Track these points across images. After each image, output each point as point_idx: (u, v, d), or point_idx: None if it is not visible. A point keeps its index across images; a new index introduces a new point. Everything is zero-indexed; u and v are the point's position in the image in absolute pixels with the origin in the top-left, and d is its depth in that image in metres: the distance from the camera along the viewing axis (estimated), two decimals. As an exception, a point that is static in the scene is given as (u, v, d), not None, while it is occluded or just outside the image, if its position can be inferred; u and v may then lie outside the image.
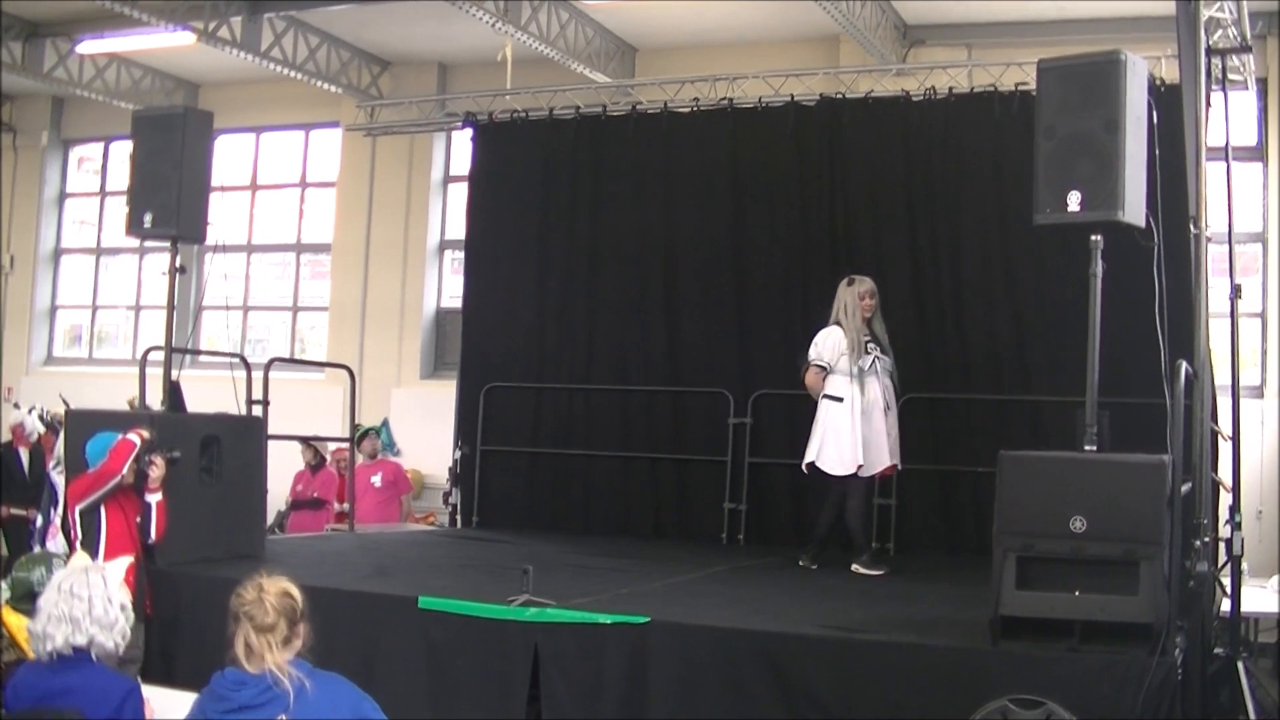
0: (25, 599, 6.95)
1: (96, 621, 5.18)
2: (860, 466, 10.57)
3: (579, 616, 7.71)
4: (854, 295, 10.77)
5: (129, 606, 5.37)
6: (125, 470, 8.47)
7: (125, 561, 7.90)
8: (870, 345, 10.73)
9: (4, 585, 7.33)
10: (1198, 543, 7.28)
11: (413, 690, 7.86)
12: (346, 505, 13.41)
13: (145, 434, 8.69)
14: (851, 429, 10.58)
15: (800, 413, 11.27)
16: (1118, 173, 7.17)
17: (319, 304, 19.57)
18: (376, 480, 14.36)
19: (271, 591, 4.88)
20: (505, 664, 7.75)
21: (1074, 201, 7.29)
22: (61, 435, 11.26)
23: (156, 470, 8.71)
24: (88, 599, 5.20)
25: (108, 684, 5.16)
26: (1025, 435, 11.44)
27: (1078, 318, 7.69)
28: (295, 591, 4.94)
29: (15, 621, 6.57)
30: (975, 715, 6.39)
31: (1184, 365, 7.32)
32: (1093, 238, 7.41)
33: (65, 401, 12.12)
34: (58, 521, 9.84)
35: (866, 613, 8.35)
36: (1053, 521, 6.78)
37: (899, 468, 11.02)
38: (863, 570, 10.58)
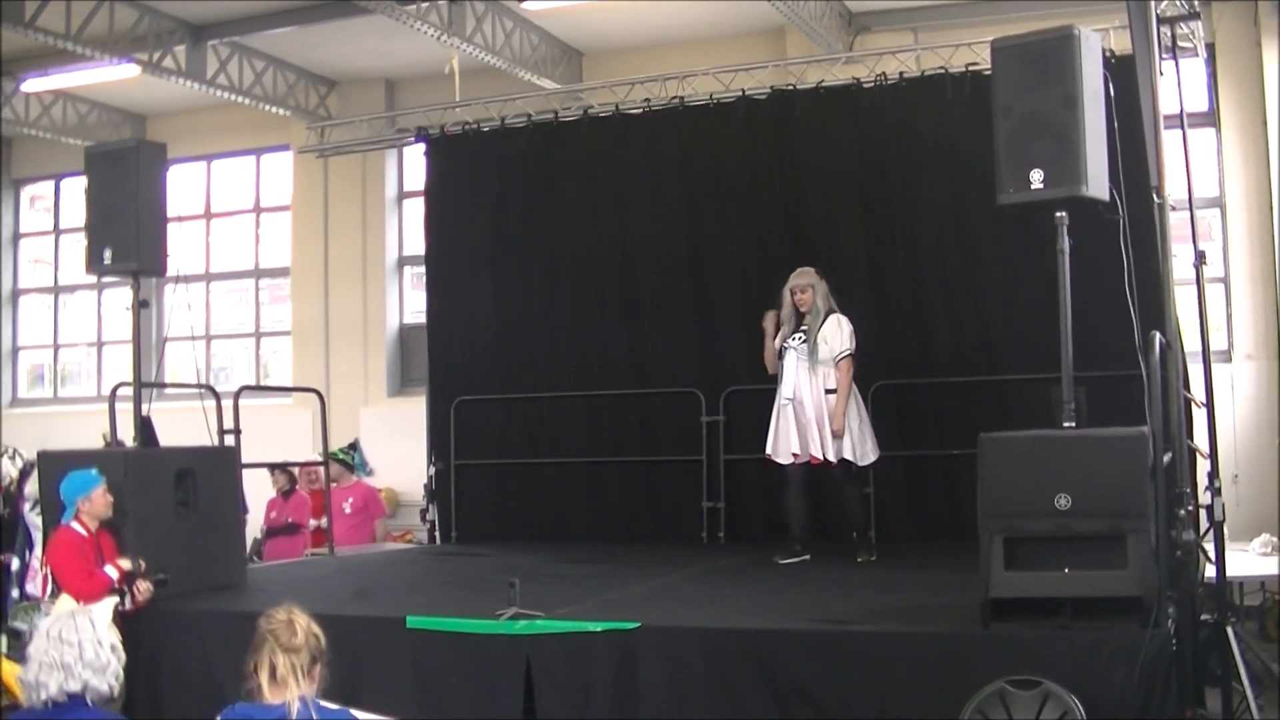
0: (19, 647, 6.95)
1: (89, 666, 5.13)
2: (794, 455, 10.81)
3: (569, 626, 7.68)
4: (785, 290, 10.98)
5: (119, 646, 5.32)
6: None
7: (111, 601, 7.84)
8: (795, 338, 10.82)
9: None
10: (1182, 512, 7.29)
11: (404, 711, 7.80)
12: (324, 521, 13.36)
13: (127, 565, 8.68)
14: (776, 417, 10.90)
15: (770, 408, 11.22)
16: (1079, 148, 7.21)
17: (281, 328, 19.46)
18: (347, 506, 14.26)
19: (301, 620, 4.90)
20: (497, 679, 7.72)
21: (1037, 179, 7.31)
22: (34, 477, 11.19)
23: (142, 596, 8.71)
24: (78, 644, 5.15)
25: (101, 726, 5.13)
26: (994, 416, 11.41)
27: (1038, 296, 7.70)
28: (319, 631, 4.95)
29: (9, 669, 6.54)
30: (973, 700, 6.40)
31: (1158, 335, 7.33)
32: (1057, 214, 7.43)
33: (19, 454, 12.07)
34: (35, 565, 9.81)
35: (852, 604, 8.38)
36: (1037, 501, 6.80)
37: (820, 460, 10.79)
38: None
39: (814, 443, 10.70)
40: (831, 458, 10.71)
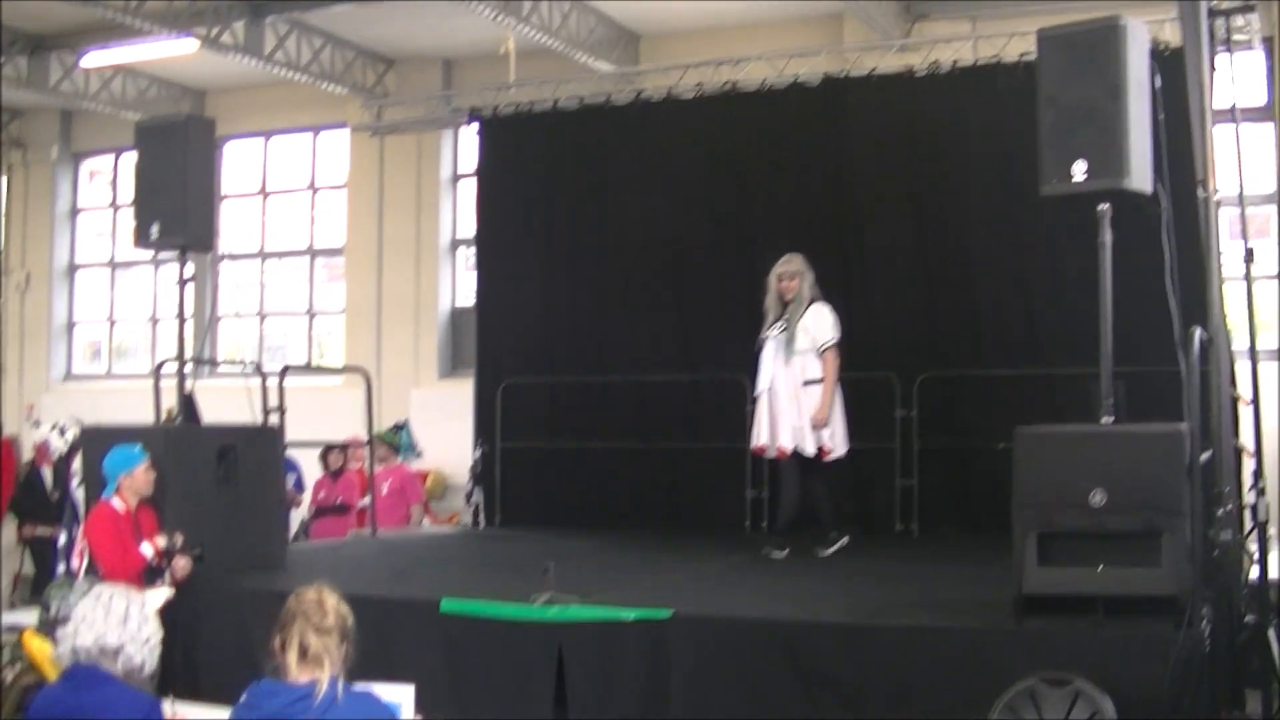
0: (47, 625, 6.99)
1: (129, 633, 5.16)
2: (761, 447, 10.74)
3: (601, 614, 7.67)
4: (771, 276, 10.77)
5: (157, 637, 5.34)
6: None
7: (165, 593, 7.87)
8: (775, 327, 10.67)
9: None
10: (1220, 511, 7.21)
11: (436, 694, 7.80)
12: (367, 500, 13.44)
13: (163, 543, 8.71)
14: (756, 407, 10.83)
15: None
16: (1122, 140, 7.12)
17: (335, 307, 19.54)
18: (384, 488, 14.29)
19: (330, 600, 4.92)
20: (529, 664, 7.73)
21: (1079, 171, 7.24)
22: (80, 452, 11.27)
23: (180, 572, 8.73)
24: (124, 611, 5.19)
25: (128, 701, 5.11)
26: (1044, 409, 11.25)
27: (1088, 288, 7.61)
28: (347, 611, 4.95)
29: (38, 646, 6.57)
30: (1003, 696, 6.35)
31: (1197, 331, 7.25)
32: (1100, 206, 7.35)
33: (78, 420, 12.14)
34: (80, 540, 9.87)
35: (888, 597, 8.30)
36: (1072, 496, 6.72)
37: (788, 452, 10.63)
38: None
39: (784, 434, 10.53)
40: (808, 450, 10.51)
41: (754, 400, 10.88)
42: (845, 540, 10.71)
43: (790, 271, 10.66)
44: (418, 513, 14.78)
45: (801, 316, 10.58)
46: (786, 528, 10.83)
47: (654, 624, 7.50)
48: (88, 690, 5.10)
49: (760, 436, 10.67)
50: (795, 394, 10.52)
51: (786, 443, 10.53)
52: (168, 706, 5.44)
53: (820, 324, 10.60)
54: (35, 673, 6.38)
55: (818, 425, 10.49)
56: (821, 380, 10.54)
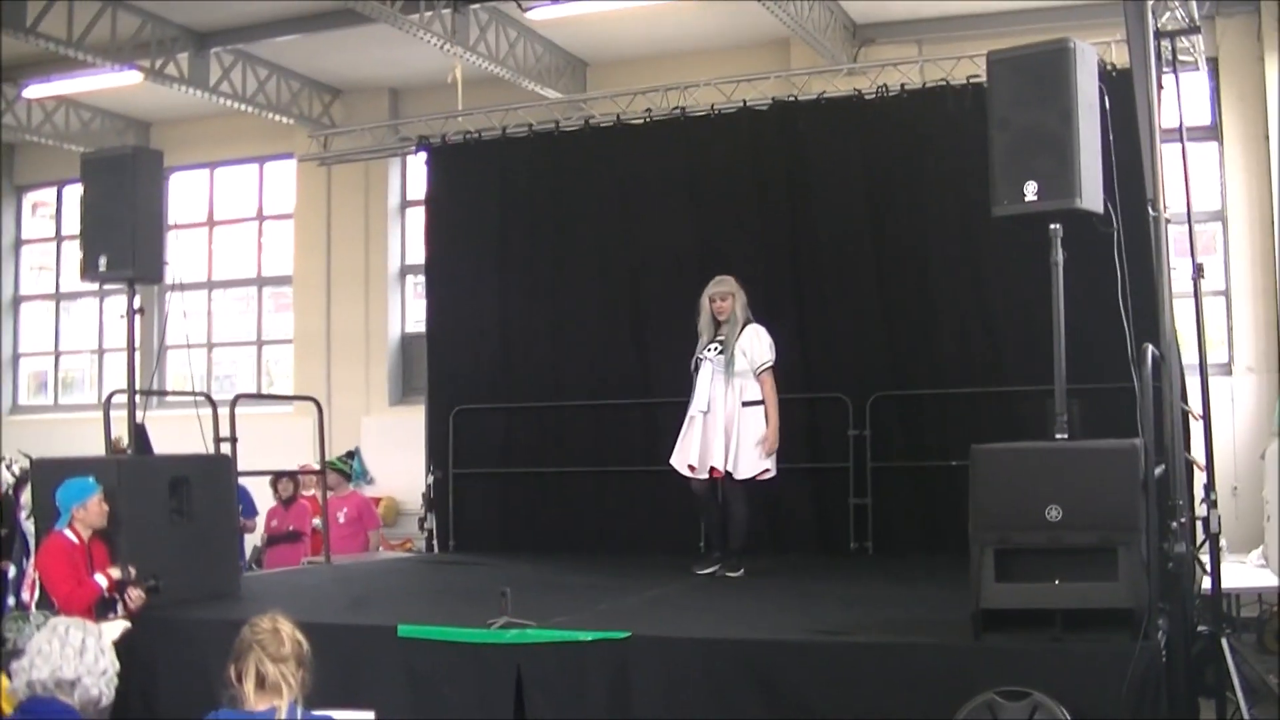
0: (2, 659, 6.93)
1: (85, 665, 5.14)
2: (691, 467, 10.63)
3: (560, 636, 7.65)
4: (704, 297, 10.82)
5: (114, 669, 5.32)
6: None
7: (121, 625, 7.82)
8: (710, 349, 10.68)
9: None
10: (1175, 524, 7.28)
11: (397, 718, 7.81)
12: (320, 523, 13.40)
13: (116, 574, 8.66)
14: (685, 427, 10.72)
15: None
16: (1073, 161, 7.19)
17: (284, 336, 19.47)
18: (341, 516, 14.27)
19: (285, 628, 4.92)
20: (488, 688, 7.68)
21: (1031, 192, 7.31)
22: (29, 485, 11.18)
23: (135, 603, 8.66)
24: (80, 642, 5.18)
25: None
26: (998, 428, 11.33)
27: (1044, 307, 7.68)
28: (303, 639, 4.95)
29: (-5, 682, 6.52)
30: (961, 711, 6.38)
31: (1150, 348, 7.32)
32: (1052, 226, 7.42)
33: (24, 455, 12.06)
34: (30, 572, 9.79)
35: (848, 615, 8.32)
36: (1028, 513, 6.76)
37: (721, 473, 10.58)
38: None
39: (717, 455, 10.48)
40: (742, 473, 10.49)
41: (687, 419, 10.74)
42: (741, 573, 10.68)
43: (723, 292, 10.71)
44: (375, 539, 14.75)
45: (738, 338, 10.61)
46: (721, 543, 10.87)
47: (613, 644, 7.48)
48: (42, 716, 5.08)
49: (690, 455, 10.58)
50: (734, 415, 10.51)
51: (720, 464, 10.47)
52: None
53: (757, 346, 10.63)
54: (-9, 706, 6.34)
55: (770, 452, 10.52)
56: (761, 402, 10.57)
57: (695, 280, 13.14)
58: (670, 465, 10.81)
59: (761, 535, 12.56)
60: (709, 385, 10.59)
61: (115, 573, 8.64)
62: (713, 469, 10.55)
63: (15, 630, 7.44)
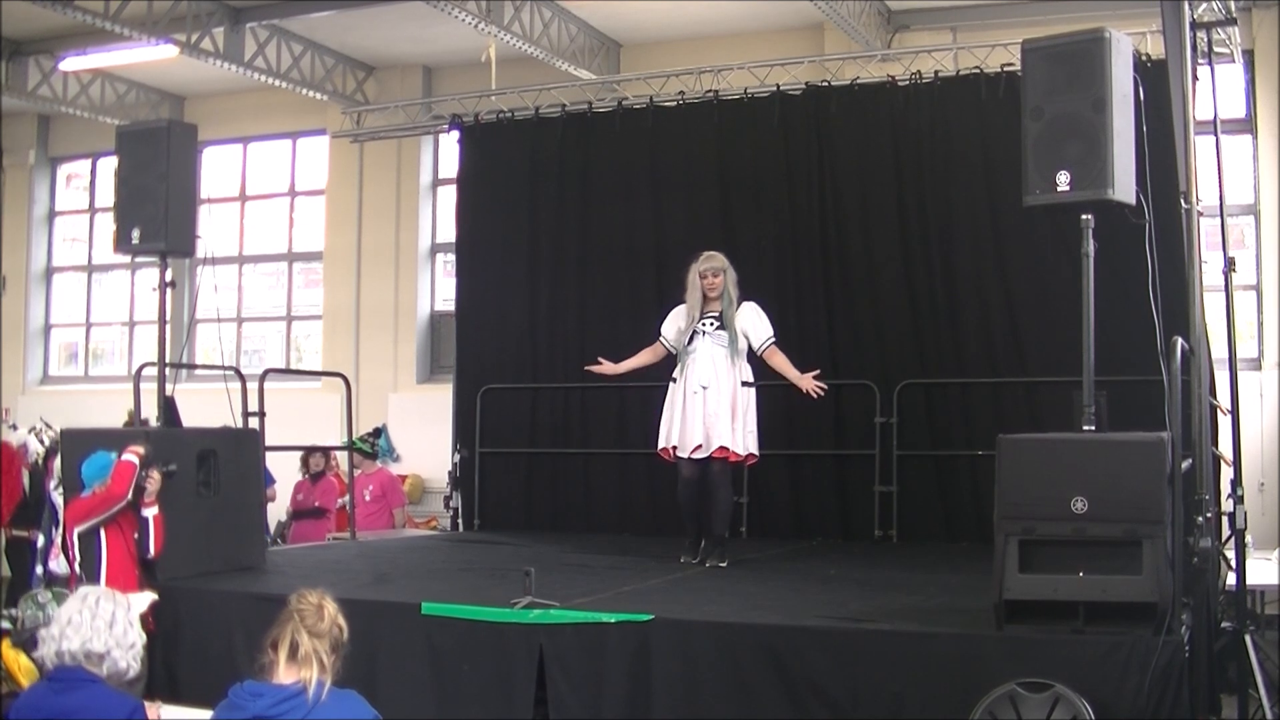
0: (22, 635, 6.98)
1: (115, 638, 5.17)
2: (675, 447, 10.41)
3: (582, 616, 7.68)
4: (694, 272, 10.51)
5: (142, 642, 5.35)
6: (129, 493, 8.49)
7: (149, 597, 7.85)
8: (706, 324, 10.43)
9: (4, 615, 7.33)
10: (1200, 519, 7.26)
11: (418, 697, 7.84)
12: (346, 501, 13.46)
13: (141, 450, 8.69)
14: (669, 407, 10.52)
15: (795, 402, 11.16)
16: (1106, 151, 7.15)
17: (313, 312, 19.52)
18: (367, 494, 14.30)
19: (330, 607, 4.93)
20: (510, 667, 7.72)
21: (1063, 181, 7.26)
22: (59, 455, 11.23)
23: (153, 484, 8.73)
24: (110, 615, 5.22)
25: (112, 704, 5.12)
26: (1023, 418, 11.40)
27: (1072, 298, 7.65)
28: (344, 623, 4.97)
29: (13, 657, 6.56)
30: (983, 700, 6.38)
31: (1179, 341, 7.29)
32: (1083, 217, 7.38)
33: (47, 425, 12.10)
34: (59, 542, 9.85)
35: (868, 603, 8.31)
36: (1053, 504, 6.75)
37: (728, 454, 10.35)
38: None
39: (724, 434, 10.25)
40: (742, 450, 10.32)
41: (684, 395, 10.44)
42: (725, 564, 10.51)
43: (715, 268, 10.45)
44: (400, 516, 14.78)
45: (735, 317, 10.43)
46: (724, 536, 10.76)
47: (635, 626, 7.51)
48: (71, 692, 5.10)
49: (694, 437, 10.29)
50: (735, 394, 10.31)
51: (727, 443, 10.27)
52: (151, 709, 5.42)
53: (759, 324, 10.51)
54: (11, 682, 6.39)
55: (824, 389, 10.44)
56: (754, 384, 10.46)
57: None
58: (664, 450, 10.59)
59: (786, 520, 12.62)
60: (710, 362, 10.34)
61: (140, 449, 8.69)
62: (718, 449, 10.28)
63: (34, 608, 7.47)
